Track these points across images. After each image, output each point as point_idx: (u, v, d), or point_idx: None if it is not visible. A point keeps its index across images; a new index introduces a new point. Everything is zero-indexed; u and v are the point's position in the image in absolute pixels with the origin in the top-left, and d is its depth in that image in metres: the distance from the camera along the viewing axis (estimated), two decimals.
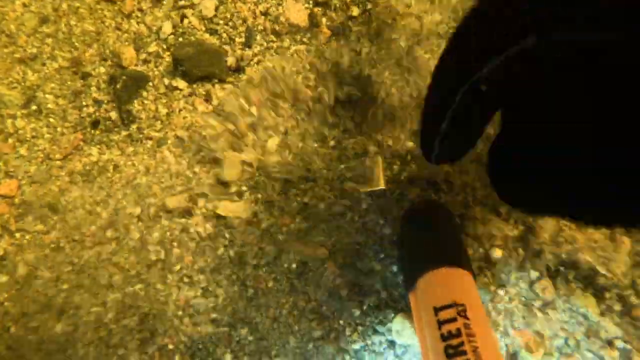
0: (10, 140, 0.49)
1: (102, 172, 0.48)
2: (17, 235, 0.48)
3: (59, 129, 0.50)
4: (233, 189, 0.46)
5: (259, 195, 0.46)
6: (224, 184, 0.47)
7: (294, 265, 0.45)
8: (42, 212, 0.48)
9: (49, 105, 0.50)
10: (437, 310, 0.34)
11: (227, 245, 0.46)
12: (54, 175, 0.49)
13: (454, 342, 0.32)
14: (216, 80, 0.49)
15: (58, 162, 0.49)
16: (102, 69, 0.51)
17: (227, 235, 0.46)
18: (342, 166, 0.46)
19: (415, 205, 0.46)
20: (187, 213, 0.47)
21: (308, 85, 0.48)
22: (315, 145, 0.47)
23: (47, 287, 0.47)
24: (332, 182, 0.46)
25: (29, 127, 0.49)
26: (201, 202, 0.47)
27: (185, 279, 0.46)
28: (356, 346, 0.44)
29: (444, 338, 0.33)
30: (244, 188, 0.46)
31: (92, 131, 0.49)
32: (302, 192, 0.46)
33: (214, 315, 0.45)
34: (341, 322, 0.44)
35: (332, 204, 0.46)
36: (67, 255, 0.47)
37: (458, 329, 0.33)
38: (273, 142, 0.46)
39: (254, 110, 0.47)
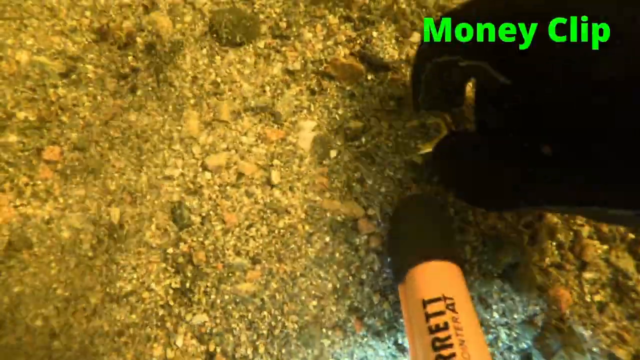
0: (52, 109, 0.51)
1: (140, 137, 0.50)
2: (61, 199, 0.49)
3: (98, 97, 0.51)
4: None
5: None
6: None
7: None
8: (83, 177, 0.50)
9: (89, 75, 0.52)
10: (425, 303, 0.35)
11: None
12: (95, 141, 0.50)
13: (442, 335, 0.33)
14: (251, 47, 0.50)
15: (98, 129, 0.50)
16: (139, 39, 0.52)
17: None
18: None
19: (407, 196, 0.46)
20: (227, 170, 0.48)
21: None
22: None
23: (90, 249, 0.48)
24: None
25: (70, 95, 0.51)
26: (242, 162, 0.48)
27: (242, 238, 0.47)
28: None
29: (431, 331, 0.34)
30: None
31: (131, 98, 0.51)
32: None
33: None
34: None
35: None
36: (106, 219, 0.49)
37: (446, 323, 0.33)
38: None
39: None
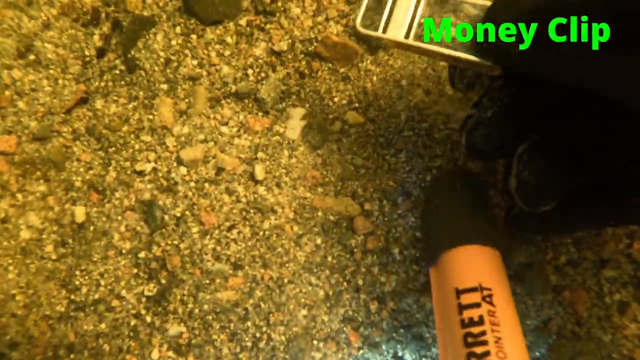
0: (7, 93, 0.44)
1: (108, 127, 0.44)
2: (19, 196, 0.44)
3: (60, 81, 0.45)
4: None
5: None
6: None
7: None
8: (44, 172, 0.44)
9: (49, 55, 0.45)
10: (459, 292, 0.31)
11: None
12: (57, 130, 0.44)
13: (475, 330, 0.29)
14: (231, 24, 0.44)
15: (60, 117, 0.44)
16: (105, 15, 0.46)
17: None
18: None
19: (446, 171, 0.41)
20: (205, 164, 0.42)
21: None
22: None
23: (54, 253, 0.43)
24: None
25: (27, 78, 0.45)
26: (216, 152, 0.42)
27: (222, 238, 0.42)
28: None
29: (464, 324, 0.30)
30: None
31: (97, 82, 0.45)
32: None
33: None
34: None
35: None
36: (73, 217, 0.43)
37: (481, 316, 0.29)
38: None
39: None
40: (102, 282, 0.42)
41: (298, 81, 0.45)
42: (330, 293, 0.41)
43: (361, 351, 0.40)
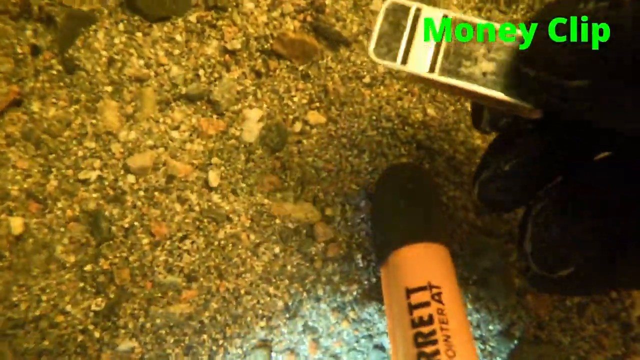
0: None
1: (47, 131, 0.40)
2: None
3: None
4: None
5: None
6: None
7: None
8: None
9: None
10: (409, 292, 0.31)
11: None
12: None
13: (425, 329, 0.29)
14: (180, 21, 0.41)
15: None
16: (38, 9, 0.42)
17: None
18: None
19: (392, 167, 0.40)
20: (155, 171, 0.39)
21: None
22: None
23: None
24: None
25: None
26: (171, 161, 0.39)
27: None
28: None
29: (414, 324, 0.29)
30: None
31: (32, 83, 0.41)
32: None
33: None
34: None
35: None
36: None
37: (430, 316, 0.29)
38: None
39: None
40: (44, 298, 0.39)
41: (254, 81, 0.43)
42: (290, 303, 0.39)
43: None
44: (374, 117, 0.43)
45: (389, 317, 0.33)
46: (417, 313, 0.30)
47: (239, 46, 0.42)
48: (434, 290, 0.30)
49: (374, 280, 0.40)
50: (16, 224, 0.39)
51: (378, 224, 0.38)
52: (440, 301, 0.30)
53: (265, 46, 0.43)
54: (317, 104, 0.43)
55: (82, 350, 0.39)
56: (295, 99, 0.43)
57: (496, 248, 0.41)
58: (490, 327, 0.40)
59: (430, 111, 0.44)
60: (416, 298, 0.30)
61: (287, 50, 0.43)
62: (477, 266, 0.40)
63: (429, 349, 0.28)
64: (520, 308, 0.41)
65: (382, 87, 0.43)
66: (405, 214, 0.35)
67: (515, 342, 0.40)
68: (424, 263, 0.32)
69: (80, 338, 0.39)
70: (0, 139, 0.40)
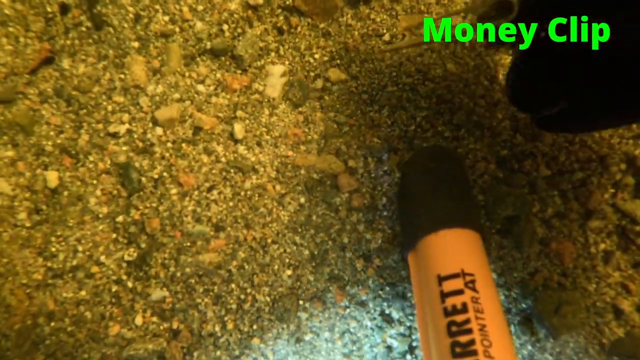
0: None
1: (77, 88, 0.40)
2: None
3: (21, 39, 0.41)
4: None
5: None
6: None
7: None
8: (11, 136, 0.41)
9: (6, 11, 0.41)
10: (441, 279, 0.29)
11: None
12: (22, 92, 0.41)
13: (459, 318, 0.27)
14: None
15: (25, 78, 0.41)
16: None
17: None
18: None
19: (419, 151, 0.38)
20: (182, 123, 0.39)
21: None
22: None
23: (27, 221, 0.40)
24: None
25: None
26: (194, 113, 0.39)
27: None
28: None
29: (447, 313, 0.28)
30: None
31: (62, 41, 0.41)
32: None
33: None
34: None
35: None
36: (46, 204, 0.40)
37: (464, 304, 0.28)
38: None
39: None
40: (80, 248, 0.39)
41: (277, 37, 0.42)
42: (316, 252, 0.39)
43: (348, 310, 0.39)
44: (394, 74, 0.42)
45: (418, 305, 0.32)
46: (449, 301, 0.28)
47: (261, 2, 0.41)
48: (468, 278, 0.29)
49: (397, 229, 0.39)
50: (52, 178, 0.40)
51: (406, 209, 0.36)
52: (474, 289, 0.28)
53: (287, 2, 0.42)
54: (338, 61, 0.42)
55: (117, 301, 0.40)
56: (317, 56, 0.42)
57: (518, 198, 0.40)
58: (515, 275, 0.39)
59: (450, 66, 0.43)
60: (448, 285, 0.29)
61: (309, 7, 0.42)
62: (500, 215, 0.40)
63: (463, 339, 0.26)
64: (543, 256, 0.40)
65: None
66: (435, 199, 0.33)
67: (540, 288, 0.39)
68: (456, 249, 0.30)
69: (114, 288, 0.40)
70: (34, 96, 0.41)
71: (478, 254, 0.31)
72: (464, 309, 0.27)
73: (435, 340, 0.28)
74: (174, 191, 0.39)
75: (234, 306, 0.39)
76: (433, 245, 0.31)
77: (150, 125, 0.39)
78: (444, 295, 0.28)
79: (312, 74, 0.42)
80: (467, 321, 0.27)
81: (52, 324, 0.40)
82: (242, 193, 0.39)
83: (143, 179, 0.39)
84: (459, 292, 0.28)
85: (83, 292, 0.40)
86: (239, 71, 0.41)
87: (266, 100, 0.41)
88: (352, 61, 0.42)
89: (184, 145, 0.39)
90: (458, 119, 0.41)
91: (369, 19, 0.43)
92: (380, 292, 0.39)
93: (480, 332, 0.26)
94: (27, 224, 0.40)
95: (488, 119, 0.42)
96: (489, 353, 0.25)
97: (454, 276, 0.29)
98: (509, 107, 0.41)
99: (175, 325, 0.39)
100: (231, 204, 0.39)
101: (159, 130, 0.39)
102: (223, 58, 0.41)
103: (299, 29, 0.42)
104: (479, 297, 0.28)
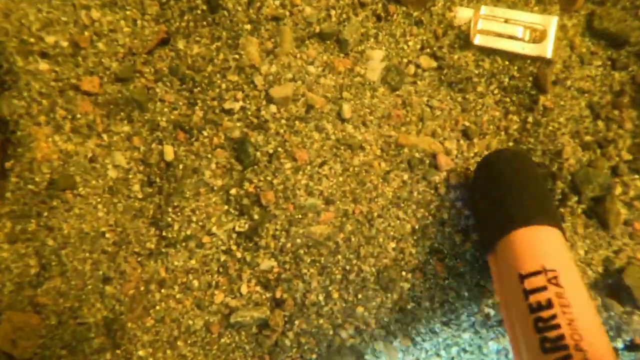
0: (86, 34, 0.42)
1: (192, 67, 0.42)
2: (105, 136, 0.42)
3: (139, 22, 0.43)
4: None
5: None
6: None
7: None
8: (128, 112, 0.42)
9: None
10: (522, 277, 0.29)
11: None
12: (139, 71, 0.42)
13: (545, 314, 0.27)
14: None
15: (142, 57, 0.42)
16: None
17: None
18: None
19: (492, 153, 0.39)
20: (295, 102, 0.41)
21: None
22: None
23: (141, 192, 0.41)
24: None
25: (105, 19, 0.42)
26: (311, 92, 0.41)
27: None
28: None
29: (532, 310, 0.28)
30: None
31: (177, 23, 0.42)
32: None
33: None
34: None
35: None
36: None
37: (549, 300, 0.28)
38: None
39: None
40: (194, 219, 0.41)
41: (375, 24, 0.44)
42: (417, 227, 0.41)
43: (447, 281, 0.40)
44: (479, 62, 0.44)
45: (503, 305, 0.32)
46: (533, 298, 0.28)
47: None
48: (550, 274, 0.28)
49: None
50: (168, 151, 0.41)
51: (482, 210, 0.36)
52: (557, 284, 0.28)
53: None
54: (428, 50, 0.44)
55: (224, 270, 0.41)
56: (410, 44, 0.44)
57: (604, 179, 0.41)
58: (600, 252, 0.41)
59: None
60: (531, 283, 0.28)
61: None
62: (587, 196, 0.41)
63: (551, 334, 0.26)
64: (627, 235, 0.41)
65: None
66: (511, 198, 0.33)
67: (625, 265, 0.40)
68: (535, 247, 0.30)
69: (223, 258, 0.41)
70: (149, 75, 0.42)
71: (559, 249, 0.31)
72: (549, 304, 0.27)
73: (523, 337, 0.28)
74: (288, 165, 0.40)
75: (339, 276, 0.40)
76: (511, 245, 0.31)
77: (265, 102, 0.41)
78: (527, 293, 0.28)
79: (405, 59, 0.43)
80: (554, 316, 0.27)
81: (162, 290, 0.41)
82: (351, 169, 0.41)
83: (258, 153, 0.40)
84: (542, 288, 0.28)
85: (193, 261, 0.41)
86: (342, 55, 0.43)
87: (367, 82, 0.42)
88: (441, 50, 0.44)
89: (297, 122, 0.41)
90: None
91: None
92: (476, 265, 0.40)
93: (569, 327, 0.26)
94: (140, 196, 0.42)
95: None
96: (580, 346, 0.25)
97: (536, 274, 0.29)
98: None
99: (278, 295, 0.41)
100: (340, 179, 0.41)
101: (273, 108, 0.41)
102: (329, 42, 0.42)
103: (394, 16, 0.44)
104: (564, 292, 0.28)
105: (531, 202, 0.33)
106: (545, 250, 0.30)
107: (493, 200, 0.34)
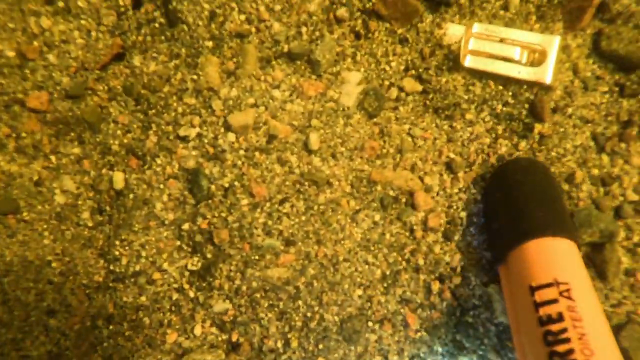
0: (35, 43, 0.38)
1: (147, 86, 0.38)
2: (52, 158, 0.38)
3: (93, 33, 0.39)
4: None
5: None
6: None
7: None
8: (78, 132, 0.38)
9: (79, 3, 0.39)
10: (533, 289, 0.28)
11: None
12: (91, 88, 0.38)
13: (555, 327, 0.26)
14: None
15: (95, 73, 0.38)
16: None
17: None
18: None
19: (506, 163, 0.36)
20: (255, 130, 0.37)
21: None
22: None
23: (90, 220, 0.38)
24: None
25: (56, 28, 0.39)
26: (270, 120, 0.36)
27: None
28: None
29: (542, 322, 0.27)
30: None
31: (134, 36, 0.38)
32: None
33: None
34: None
35: None
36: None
37: (560, 313, 0.26)
38: None
39: None
40: (144, 254, 0.37)
41: (353, 42, 0.39)
42: (388, 272, 0.36)
43: (419, 334, 0.36)
44: (469, 87, 0.39)
45: (512, 317, 0.30)
46: (543, 311, 0.27)
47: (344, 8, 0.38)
48: (562, 287, 0.27)
49: (473, 252, 0.36)
50: (118, 179, 0.37)
51: (493, 221, 0.34)
52: (569, 297, 0.27)
53: (367, 5, 0.39)
54: (413, 71, 0.39)
55: (177, 309, 0.38)
56: (393, 64, 0.39)
57: (608, 224, 0.36)
58: None
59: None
60: (542, 295, 0.27)
61: (389, 11, 0.39)
62: (584, 240, 0.36)
63: (561, 348, 0.25)
64: (627, 288, 0.37)
65: None
66: (524, 208, 0.32)
67: (623, 323, 0.36)
68: (547, 258, 0.29)
69: (175, 296, 0.38)
70: (102, 92, 0.39)
71: (572, 262, 0.30)
72: (560, 318, 0.26)
73: (531, 350, 0.27)
74: (244, 202, 0.36)
75: (299, 324, 0.36)
76: (523, 256, 0.30)
77: (222, 130, 0.37)
78: (538, 305, 0.27)
79: (386, 82, 0.39)
80: (564, 330, 0.26)
81: (111, 327, 0.38)
82: (315, 207, 0.36)
83: (212, 186, 0.36)
84: (553, 301, 0.27)
85: (143, 298, 0.38)
86: (314, 77, 0.38)
87: (341, 109, 0.38)
88: (428, 70, 0.39)
89: (257, 153, 0.37)
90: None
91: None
92: (452, 317, 0.36)
93: (579, 341, 0.25)
94: (90, 224, 0.39)
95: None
96: None
97: (547, 286, 0.28)
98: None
99: (235, 338, 0.37)
100: (303, 218, 0.36)
101: (231, 137, 0.37)
102: (299, 62, 0.38)
103: (376, 34, 0.39)
104: (576, 305, 0.27)
105: (546, 212, 0.32)
106: (559, 262, 0.29)
107: (506, 210, 0.33)
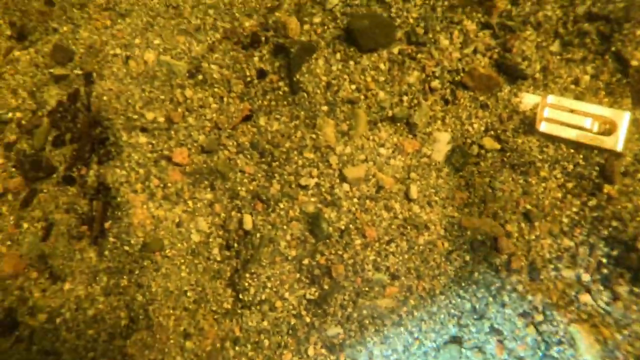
0: (179, 110, 0.46)
1: (271, 142, 0.45)
2: (190, 202, 0.46)
3: (225, 99, 0.47)
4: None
5: None
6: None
7: None
8: (211, 181, 0.46)
9: (214, 75, 0.47)
10: None
11: None
12: (223, 144, 0.46)
13: None
14: (385, 52, 0.45)
15: (227, 132, 0.46)
16: (264, 39, 0.47)
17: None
18: None
19: None
20: (366, 182, 0.44)
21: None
22: None
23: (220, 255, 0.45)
24: None
25: (195, 96, 0.47)
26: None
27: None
28: None
29: None
30: None
31: (260, 101, 0.46)
32: None
33: None
34: None
35: None
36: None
37: None
38: None
39: None
40: (269, 285, 0.44)
41: (443, 107, 0.46)
42: (477, 306, 0.42)
43: None
44: (543, 147, 0.44)
45: None
46: None
47: (437, 77, 0.45)
48: None
49: (557, 291, 0.42)
50: (247, 220, 0.44)
51: None
52: None
53: (456, 78, 0.46)
54: (492, 132, 0.45)
55: (293, 332, 0.44)
56: (475, 126, 0.46)
57: None
58: None
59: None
60: None
61: (474, 83, 0.46)
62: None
63: None
64: None
65: None
66: None
67: None
68: None
69: (293, 321, 0.44)
70: (232, 147, 0.46)
71: None
72: None
73: None
74: (358, 241, 0.43)
75: (400, 348, 0.42)
76: None
77: (338, 181, 0.44)
78: None
79: (469, 140, 0.45)
80: None
81: (237, 348, 0.44)
82: (416, 247, 0.43)
83: (330, 228, 0.43)
84: None
85: (265, 323, 0.44)
86: (410, 136, 0.45)
87: (433, 163, 0.45)
88: (505, 131, 0.45)
89: (367, 201, 0.43)
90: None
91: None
92: (537, 350, 0.41)
93: None
94: (218, 258, 0.45)
95: None
96: None
97: None
98: None
99: (342, 358, 0.43)
100: (406, 256, 0.43)
101: (345, 187, 0.43)
102: (399, 124, 0.45)
103: (461, 100, 0.46)
104: None
105: None
106: None
107: None
